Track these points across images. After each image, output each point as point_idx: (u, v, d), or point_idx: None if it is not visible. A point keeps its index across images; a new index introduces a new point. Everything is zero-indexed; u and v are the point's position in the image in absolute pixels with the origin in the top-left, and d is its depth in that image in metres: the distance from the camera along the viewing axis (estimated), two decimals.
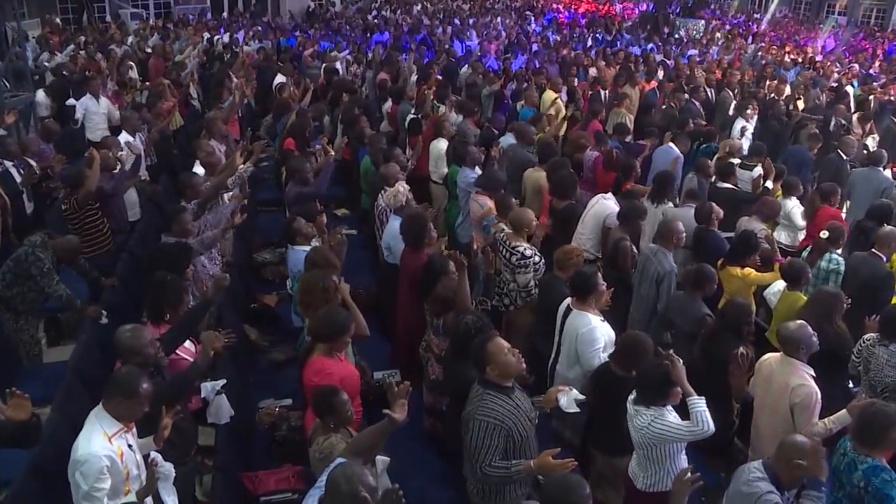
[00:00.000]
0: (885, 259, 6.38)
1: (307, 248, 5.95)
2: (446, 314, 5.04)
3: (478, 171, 7.58)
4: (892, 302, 5.99)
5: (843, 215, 8.48)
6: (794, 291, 5.78)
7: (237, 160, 6.92)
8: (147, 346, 4.11)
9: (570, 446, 5.37)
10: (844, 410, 4.40)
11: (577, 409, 4.40)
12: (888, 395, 4.89)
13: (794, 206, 7.69)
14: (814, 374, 4.59)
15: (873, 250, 6.41)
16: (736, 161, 8.41)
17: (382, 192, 7.12)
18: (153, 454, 3.79)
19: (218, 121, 8.83)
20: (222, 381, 4.76)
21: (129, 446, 3.65)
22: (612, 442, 4.64)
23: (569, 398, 4.32)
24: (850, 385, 5.59)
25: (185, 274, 5.37)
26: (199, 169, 7.43)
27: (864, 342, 5.19)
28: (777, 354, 4.77)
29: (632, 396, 4.25)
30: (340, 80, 12.64)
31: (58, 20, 20.00)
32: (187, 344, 4.82)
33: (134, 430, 3.75)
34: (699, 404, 4.09)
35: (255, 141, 8.13)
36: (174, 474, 3.86)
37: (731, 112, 11.67)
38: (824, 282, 6.34)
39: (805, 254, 7.03)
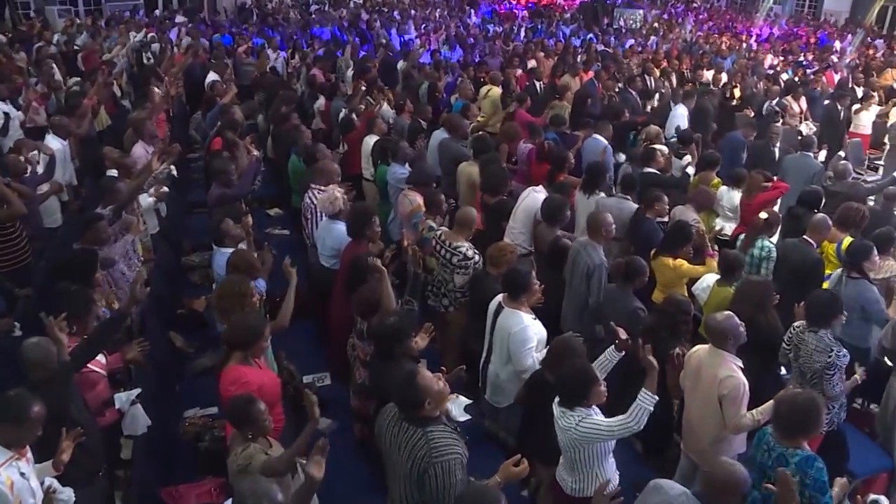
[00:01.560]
0: (815, 246, 6.42)
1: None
2: (370, 316, 4.90)
3: (408, 167, 7.44)
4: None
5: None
6: (724, 286, 5.76)
7: (154, 163, 6.67)
8: (53, 359, 3.89)
9: (504, 446, 5.32)
10: (772, 402, 4.37)
11: (469, 416, 4.30)
12: (816, 382, 4.90)
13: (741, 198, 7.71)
14: (742, 366, 4.56)
15: (804, 237, 6.45)
16: (659, 147, 8.39)
17: (311, 188, 6.95)
18: (48, 480, 3.58)
19: (146, 121, 8.50)
20: (136, 391, 4.58)
21: (22, 474, 3.43)
22: (549, 450, 4.49)
23: (458, 406, 4.22)
24: (783, 372, 5.60)
25: (96, 280, 5.12)
26: (112, 172, 7.18)
27: (794, 329, 5.18)
28: (706, 346, 4.75)
29: (556, 399, 4.15)
30: (269, 78, 12.36)
31: None
32: (99, 357, 4.59)
33: (29, 455, 3.54)
34: (648, 401, 4.02)
35: (173, 143, 7.89)
36: (73, 499, 3.65)
37: (655, 102, 11.79)
38: (756, 269, 6.37)
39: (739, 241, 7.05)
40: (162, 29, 17.86)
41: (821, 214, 6.64)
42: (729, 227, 7.74)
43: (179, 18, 20.56)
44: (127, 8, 22.59)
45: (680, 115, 10.48)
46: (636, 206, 6.96)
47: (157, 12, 22.82)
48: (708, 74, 13.88)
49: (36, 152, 7.46)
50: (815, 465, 3.79)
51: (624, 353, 4.63)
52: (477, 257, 5.94)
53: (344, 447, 5.50)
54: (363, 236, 5.91)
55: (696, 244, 6.31)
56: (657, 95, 12.21)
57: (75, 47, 15.32)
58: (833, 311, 4.98)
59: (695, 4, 30.51)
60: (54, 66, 12.58)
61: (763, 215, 6.51)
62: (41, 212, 7.49)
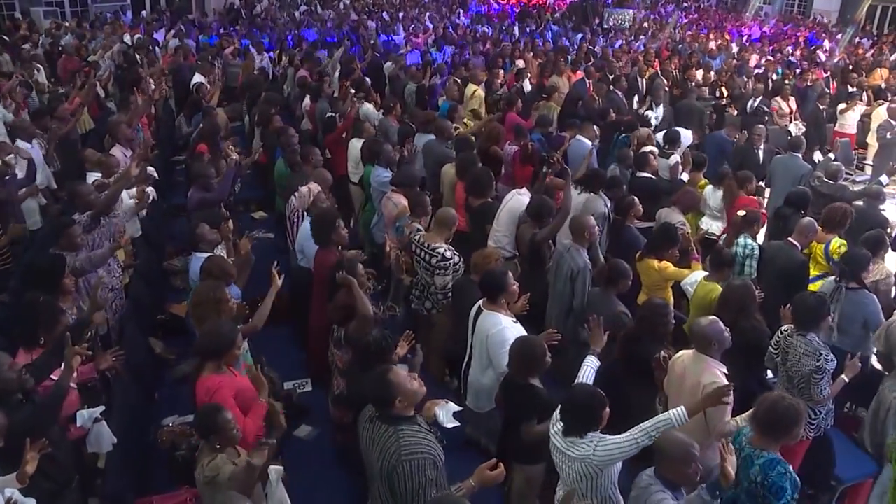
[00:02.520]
0: (800, 248, 6.37)
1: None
2: (347, 323, 4.81)
3: (391, 170, 7.36)
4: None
5: (765, 202, 8.52)
6: (711, 282, 5.71)
7: (133, 170, 6.57)
8: (4, 371, 3.80)
9: (486, 452, 5.23)
10: None
11: (457, 423, 4.21)
12: (804, 387, 4.85)
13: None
14: (726, 372, 4.49)
15: (790, 239, 6.40)
16: (650, 149, 8.33)
17: (296, 192, 6.87)
18: (9, 492, 3.47)
19: (122, 125, 8.41)
20: (100, 409, 4.44)
21: None
22: (524, 450, 4.47)
23: (446, 412, 4.14)
24: (769, 375, 5.53)
25: (65, 286, 5.01)
26: (94, 175, 7.07)
27: (781, 333, 5.12)
28: (690, 351, 4.67)
29: (559, 428, 3.93)
30: (253, 79, 12.27)
31: None
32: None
33: None
34: (677, 420, 3.92)
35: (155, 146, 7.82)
36: None
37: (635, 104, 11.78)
38: (741, 267, 6.32)
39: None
40: (149, 31, 17.74)
41: (808, 217, 6.58)
42: (716, 227, 7.68)
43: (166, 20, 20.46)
44: (113, 9, 22.43)
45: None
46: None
47: (144, 13, 22.65)
48: (698, 74, 13.84)
49: (13, 155, 7.33)
50: (778, 468, 3.76)
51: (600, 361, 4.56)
52: (456, 258, 5.87)
53: (324, 455, 5.45)
54: (330, 242, 5.80)
55: (681, 247, 6.25)
56: (636, 97, 12.16)
57: (59, 48, 15.20)
58: (820, 314, 4.93)
59: (685, 4, 30.48)
60: (40, 67, 12.48)
61: (741, 212, 6.46)
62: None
